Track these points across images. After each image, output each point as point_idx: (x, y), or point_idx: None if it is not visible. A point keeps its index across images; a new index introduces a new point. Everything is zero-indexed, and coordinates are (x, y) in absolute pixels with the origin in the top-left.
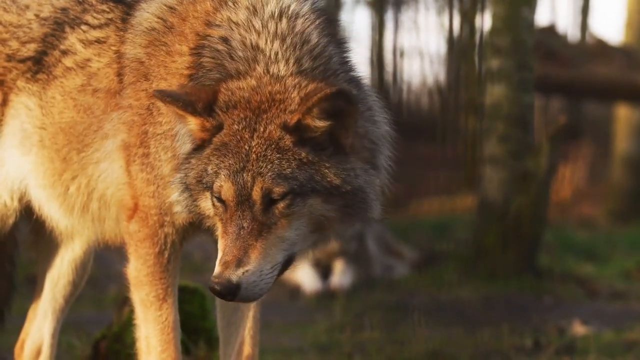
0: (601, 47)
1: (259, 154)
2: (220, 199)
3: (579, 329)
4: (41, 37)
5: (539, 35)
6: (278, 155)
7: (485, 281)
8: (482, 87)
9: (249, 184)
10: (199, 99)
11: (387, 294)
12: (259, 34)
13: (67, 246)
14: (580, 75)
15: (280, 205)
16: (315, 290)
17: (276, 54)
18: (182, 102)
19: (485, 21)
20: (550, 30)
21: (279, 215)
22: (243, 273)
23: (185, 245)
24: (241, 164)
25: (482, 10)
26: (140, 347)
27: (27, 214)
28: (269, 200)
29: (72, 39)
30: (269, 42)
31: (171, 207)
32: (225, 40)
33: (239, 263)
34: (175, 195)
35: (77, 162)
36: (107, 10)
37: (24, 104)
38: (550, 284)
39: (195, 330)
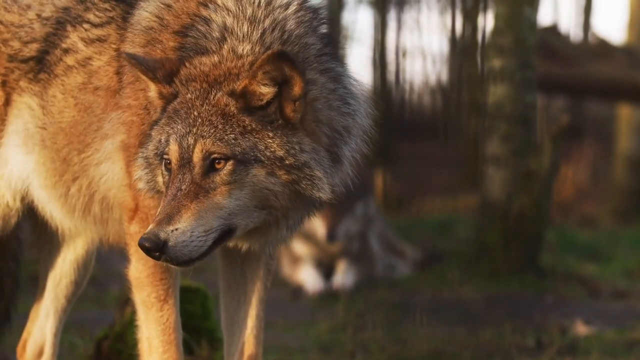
0: (603, 47)
1: (204, 119)
2: (168, 168)
3: (581, 328)
4: (43, 36)
5: (542, 35)
6: (222, 121)
7: (487, 280)
8: (485, 86)
9: (191, 146)
10: (161, 67)
11: (390, 293)
12: (234, 16)
13: (69, 246)
14: (583, 75)
15: (222, 172)
16: (317, 289)
17: (244, 35)
18: (145, 66)
19: (487, 21)
20: (553, 29)
21: (219, 182)
22: (172, 231)
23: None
24: (187, 129)
25: (485, 9)
26: (142, 348)
27: (30, 213)
28: (209, 165)
29: (74, 38)
30: (240, 24)
31: (136, 184)
32: (207, 21)
33: (170, 221)
34: (138, 172)
35: (77, 163)
36: (109, 8)
37: (27, 104)
38: (552, 283)
39: (197, 330)
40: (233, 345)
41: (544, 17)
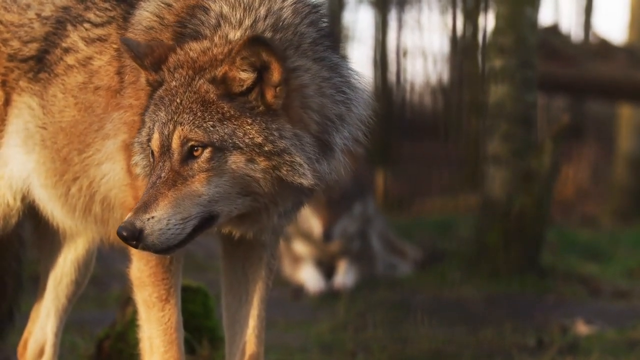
0: (604, 46)
1: (185, 107)
2: (153, 157)
3: (582, 328)
4: (43, 36)
5: (542, 34)
6: (202, 108)
7: (488, 280)
8: (485, 86)
9: (170, 133)
10: (150, 54)
11: (391, 292)
12: (231, 5)
13: (69, 245)
14: (584, 74)
15: (200, 159)
16: (318, 289)
17: (237, 22)
18: (135, 53)
19: (488, 20)
20: (554, 29)
21: (197, 169)
22: (148, 219)
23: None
24: (169, 116)
25: (485, 9)
26: (144, 348)
27: (30, 213)
28: (187, 152)
29: (74, 37)
30: (235, 11)
31: (134, 169)
32: (205, 10)
33: (146, 209)
34: (135, 158)
35: (78, 163)
36: (109, 8)
37: (27, 104)
38: (553, 282)
39: (198, 329)
40: (235, 345)
41: (545, 16)
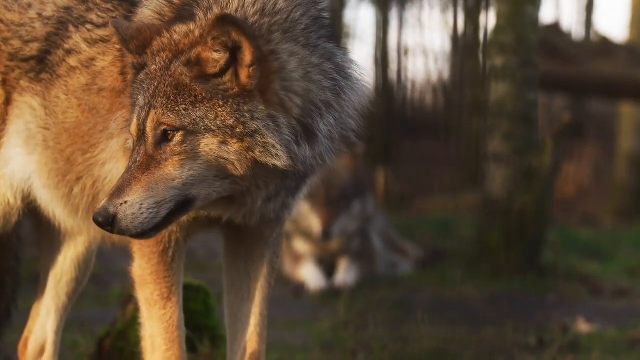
0: (605, 45)
1: (160, 90)
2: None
3: (583, 326)
4: (44, 36)
5: (543, 33)
6: (175, 91)
7: (489, 279)
8: (486, 84)
9: (145, 118)
10: (136, 37)
11: (391, 291)
12: None
13: (69, 244)
14: (585, 73)
15: (173, 143)
16: (319, 287)
17: (227, 4)
18: (122, 36)
19: (489, 19)
20: (555, 27)
21: (170, 153)
22: (121, 204)
23: (189, 243)
24: (146, 100)
25: (486, 8)
26: (145, 346)
27: (31, 212)
28: (161, 136)
29: (77, 38)
30: None
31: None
32: None
33: (120, 194)
34: (129, 142)
35: (82, 163)
36: (111, 8)
37: (28, 104)
38: (554, 281)
39: (199, 328)
40: (236, 343)
41: (546, 15)
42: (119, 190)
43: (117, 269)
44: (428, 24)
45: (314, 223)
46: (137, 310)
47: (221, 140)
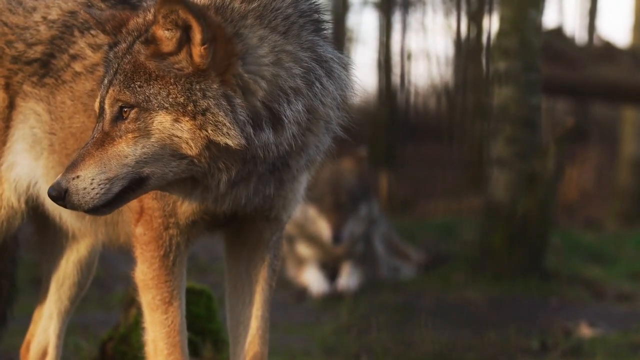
0: (608, 49)
1: (121, 68)
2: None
3: (585, 330)
4: (48, 39)
5: (546, 37)
6: (132, 69)
7: (491, 282)
8: (489, 88)
9: (104, 94)
10: (112, 20)
11: (394, 295)
12: None
13: (71, 247)
14: (588, 77)
15: (127, 120)
16: (322, 291)
17: None
18: (97, 20)
19: (492, 23)
20: (558, 32)
21: (125, 130)
22: (73, 178)
23: (190, 248)
24: (109, 78)
25: (490, 12)
26: (148, 351)
27: (33, 215)
28: (117, 112)
29: (82, 44)
30: None
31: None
32: None
33: (73, 169)
34: None
35: None
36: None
37: (33, 110)
38: (556, 285)
39: (201, 331)
40: (239, 346)
41: (549, 19)
42: (73, 165)
43: (120, 272)
44: (431, 28)
45: (323, 227)
46: (139, 314)
47: (174, 117)
